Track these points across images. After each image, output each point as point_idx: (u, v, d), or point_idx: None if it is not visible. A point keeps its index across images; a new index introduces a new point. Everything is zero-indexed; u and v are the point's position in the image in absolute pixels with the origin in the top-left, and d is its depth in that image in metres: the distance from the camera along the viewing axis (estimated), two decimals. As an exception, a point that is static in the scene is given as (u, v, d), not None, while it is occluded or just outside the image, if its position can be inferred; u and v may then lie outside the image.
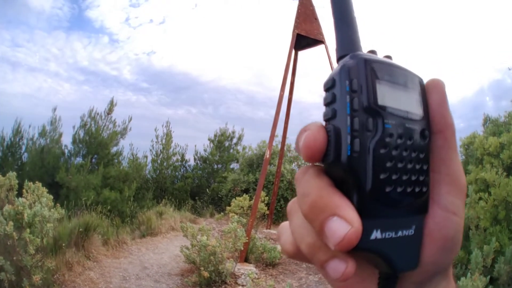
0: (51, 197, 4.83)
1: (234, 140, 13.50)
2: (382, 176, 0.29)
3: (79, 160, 8.53)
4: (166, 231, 8.07)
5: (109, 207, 7.51)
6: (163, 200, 10.17)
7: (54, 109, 8.89)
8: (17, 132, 8.57)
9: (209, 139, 13.41)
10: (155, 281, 5.30)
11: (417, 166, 0.31)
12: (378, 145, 0.29)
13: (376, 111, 0.30)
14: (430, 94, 0.33)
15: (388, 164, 0.30)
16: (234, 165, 13.14)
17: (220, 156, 13.17)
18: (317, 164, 0.32)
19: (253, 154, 11.92)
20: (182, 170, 12.99)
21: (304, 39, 6.46)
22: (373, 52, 0.34)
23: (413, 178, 0.31)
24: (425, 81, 0.34)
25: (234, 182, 11.08)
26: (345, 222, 0.28)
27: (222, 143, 13.35)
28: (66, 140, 8.97)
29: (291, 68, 6.77)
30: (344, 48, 0.33)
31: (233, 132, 13.46)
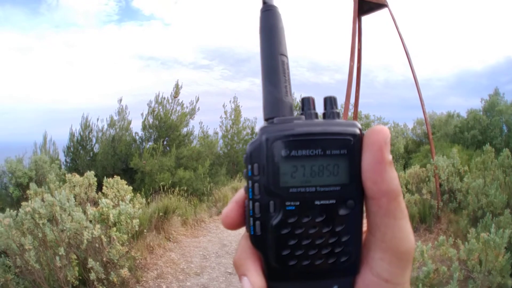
0: (131, 188, 5.01)
1: (303, 108, 13.05)
2: (284, 253, 0.31)
3: (150, 144, 8.92)
4: (242, 206, 8.11)
5: (185, 187, 7.75)
6: (238, 174, 10.28)
7: (120, 100, 9.38)
8: (85, 126, 9.24)
9: (277, 110, 13.14)
10: (234, 259, 5.32)
11: (331, 240, 0.31)
12: (279, 226, 0.30)
13: (277, 194, 0.30)
14: (363, 153, 0.30)
15: (291, 242, 0.31)
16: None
17: (290, 125, 12.86)
18: None
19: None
20: (253, 142, 13.01)
21: (366, 3, 6.23)
22: (307, 100, 0.33)
23: (325, 251, 0.31)
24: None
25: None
26: (249, 284, 0.32)
27: (291, 112, 12.98)
28: (136, 126, 9.42)
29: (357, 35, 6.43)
30: (268, 111, 0.33)
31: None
